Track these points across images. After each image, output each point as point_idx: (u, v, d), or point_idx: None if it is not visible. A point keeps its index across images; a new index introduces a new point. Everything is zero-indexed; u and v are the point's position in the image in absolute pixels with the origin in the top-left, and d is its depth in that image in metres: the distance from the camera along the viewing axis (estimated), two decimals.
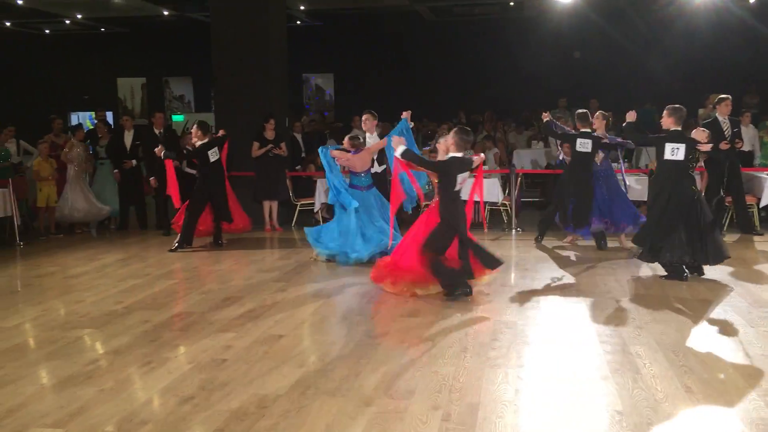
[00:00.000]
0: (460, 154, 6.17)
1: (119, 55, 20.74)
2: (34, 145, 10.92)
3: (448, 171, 6.16)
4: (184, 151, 9.15)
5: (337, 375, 4.36)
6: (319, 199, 10.41)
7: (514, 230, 10.01)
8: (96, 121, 13.78)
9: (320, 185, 10.31)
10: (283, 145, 10.44)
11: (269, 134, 10.34)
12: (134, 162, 10.62)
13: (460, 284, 6.20)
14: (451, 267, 6.20)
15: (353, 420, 3.71)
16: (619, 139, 8.51)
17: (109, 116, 20.30)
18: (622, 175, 8.99)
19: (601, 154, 8.55)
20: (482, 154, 6.80)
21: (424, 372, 4.38)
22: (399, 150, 6.21)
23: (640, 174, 10.26)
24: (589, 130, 8.46)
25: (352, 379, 4.27)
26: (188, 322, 5.68)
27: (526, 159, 13.19)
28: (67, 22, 18.58)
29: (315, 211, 10.78)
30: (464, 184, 6.31)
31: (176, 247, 8.85)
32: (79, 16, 17.92)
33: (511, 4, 16.43)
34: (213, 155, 8.90)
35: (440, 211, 6.24)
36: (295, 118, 13.10)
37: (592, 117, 8.56)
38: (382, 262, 6.67)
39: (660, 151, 6.79)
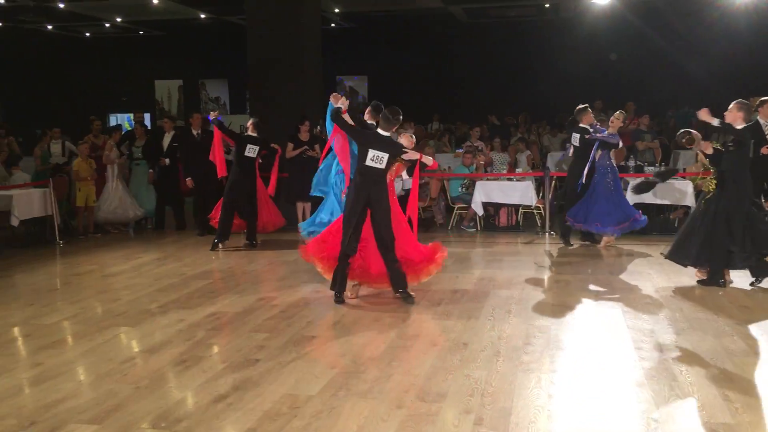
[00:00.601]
0: (385, 133, 6.17)
1: (157, 58, 21.12)
2: (76, 145, 11.18)
3: (362, 141, 6.18)
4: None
5: (369, 377, 4.36)
6: None
7: (547, 233, 9.93)
8: (134, 123, 14.05)
9: None
10: (317, 146, 10.48)
11: (304, 136, 10.40)
12: (167, 161, 10.76)
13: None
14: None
15: (384, 422, 3.71)
16: (599, 135, 8.55)
17: (147, 118, 20.69)
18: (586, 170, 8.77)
19: (600, 151, 8.55)
20: (430, 158, 6.51)
21: (456, 375, 4.36)
22: (330, 107, 6.40)
23: (678, 178, 10.01)
24: (586, 126, 8.66)
25: (384, 381, 4.28)
26: (222, 322, 5.75)
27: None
28: (107, 25, 18.97)
29: None
30: (387, 168, 6.17)
31: (215, 244, 8.99)
32: (118, 20, 18.27)
33: (547, 5, 16.30)
34: (251, 151, 9.00)
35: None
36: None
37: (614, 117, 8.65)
38: (310, 243, 6.57)
39: (747, 147, 6.57)
